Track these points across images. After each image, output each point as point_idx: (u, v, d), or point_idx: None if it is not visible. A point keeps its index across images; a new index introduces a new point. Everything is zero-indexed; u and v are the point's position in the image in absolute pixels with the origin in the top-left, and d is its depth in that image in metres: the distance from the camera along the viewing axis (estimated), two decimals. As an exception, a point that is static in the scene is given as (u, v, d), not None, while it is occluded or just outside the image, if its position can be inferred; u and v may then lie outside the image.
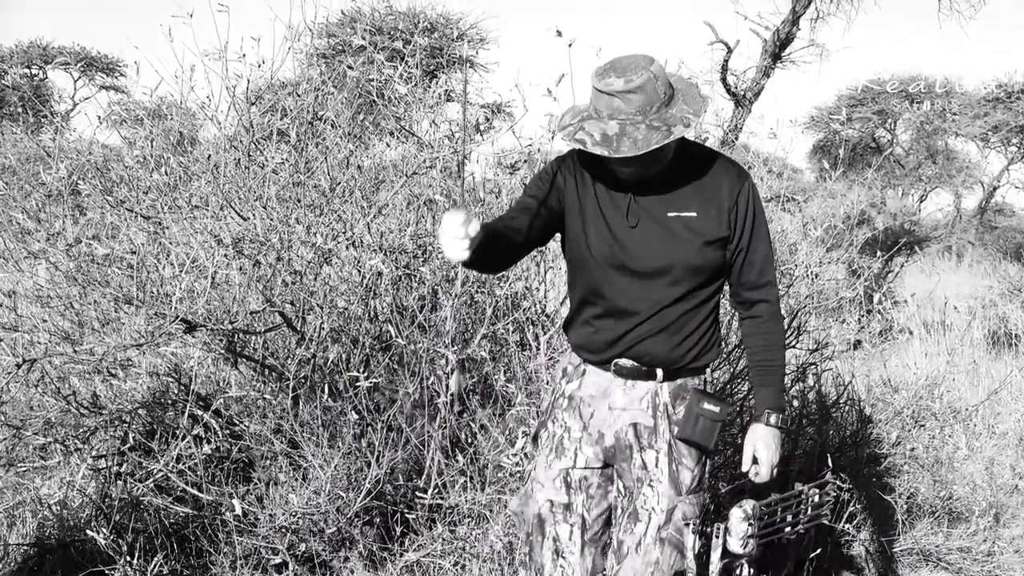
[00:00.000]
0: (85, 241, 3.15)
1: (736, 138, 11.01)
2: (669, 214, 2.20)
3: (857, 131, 22.84)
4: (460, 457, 3.26)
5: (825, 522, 2.39)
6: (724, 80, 11.35)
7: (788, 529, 2.30)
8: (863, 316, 5.30)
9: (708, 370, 2.37)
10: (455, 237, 1.89)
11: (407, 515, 3.27)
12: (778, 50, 11.24)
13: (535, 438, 2.44)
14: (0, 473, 3.55)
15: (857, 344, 4.94)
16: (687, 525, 2.26)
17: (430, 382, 3.23)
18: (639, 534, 2.28)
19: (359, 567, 3.23)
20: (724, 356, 3.75)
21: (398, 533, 3.25)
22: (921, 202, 22.69)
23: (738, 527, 2.19)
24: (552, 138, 3.49)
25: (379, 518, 3.31)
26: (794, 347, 3.96)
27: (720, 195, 2.21)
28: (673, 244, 2.19)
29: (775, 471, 2.27)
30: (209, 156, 3.49)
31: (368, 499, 3.13)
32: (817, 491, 2.33)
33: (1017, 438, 4.82)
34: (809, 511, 2.32)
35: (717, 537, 2.22)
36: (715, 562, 2.22)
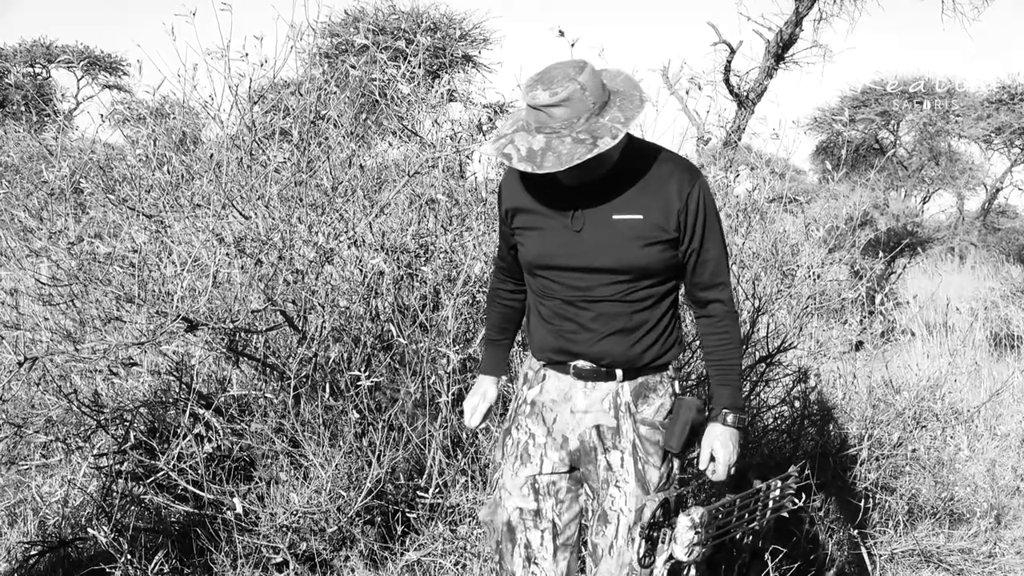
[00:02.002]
0: (87, 239, 3.15)
1: (739, 139, 11.01)
2: (615, 216, 2.18)
3: (860, 132, 22.81)
4: (461, 456, 3.26)
5: (786, 514, 2.37)
6: (727, 81, 11.35)
7: (745, 526, 2.28)
8: (865, 317, 5.30)
9: (671, 367, 2.35)
10: (474, 420, 2.54)
11: (408, 514, 3.27)
12: (781, 51, 11.24)
13: (501, 446, 2.44)
14: (2, 471, 3.56)
15: (859, 345, 4.94)
16: None
17: (431, 381, 3.23)
18: (610, 536, 2.28)
19: (360, 566, 3.23)
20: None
21: (399, 532, 3.26)
22: (924, 204, 22.65)
23: (684, 535, 2.18)
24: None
25: (380, 517, 3.31)
26: (794, 347, 3.95)
27: (669, 196, 2.18)
28: (619, 246, 2.18)
29: (732, 470, 2.26)
30: (211, 155, 3.49)
31: (369, 498, 3.13)
32: (779, 483, 2.32)
33: (1019, 439, 4.82)
34: (770, 504, 2.31)
35: (663, 543, 2.22)
36: (659, 566, 2.22)
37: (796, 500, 2.38)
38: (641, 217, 2.17)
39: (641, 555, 2.21)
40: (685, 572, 2.24)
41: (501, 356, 2.58)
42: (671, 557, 2.21)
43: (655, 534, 2.22)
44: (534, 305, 2.35)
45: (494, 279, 2.55)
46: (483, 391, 2.55)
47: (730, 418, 2.26)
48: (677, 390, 2.35)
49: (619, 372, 2.27)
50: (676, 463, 2.31)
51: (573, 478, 2.34)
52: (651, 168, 2.21)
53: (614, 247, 2.18)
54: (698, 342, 2.85)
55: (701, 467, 2.28)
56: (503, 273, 2.51)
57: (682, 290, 2.36)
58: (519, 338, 3.40)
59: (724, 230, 2.34)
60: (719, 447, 2.25)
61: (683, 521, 2.19)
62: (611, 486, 2.28)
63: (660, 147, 2.26)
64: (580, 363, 2.28)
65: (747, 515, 2.29)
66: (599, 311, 2.23)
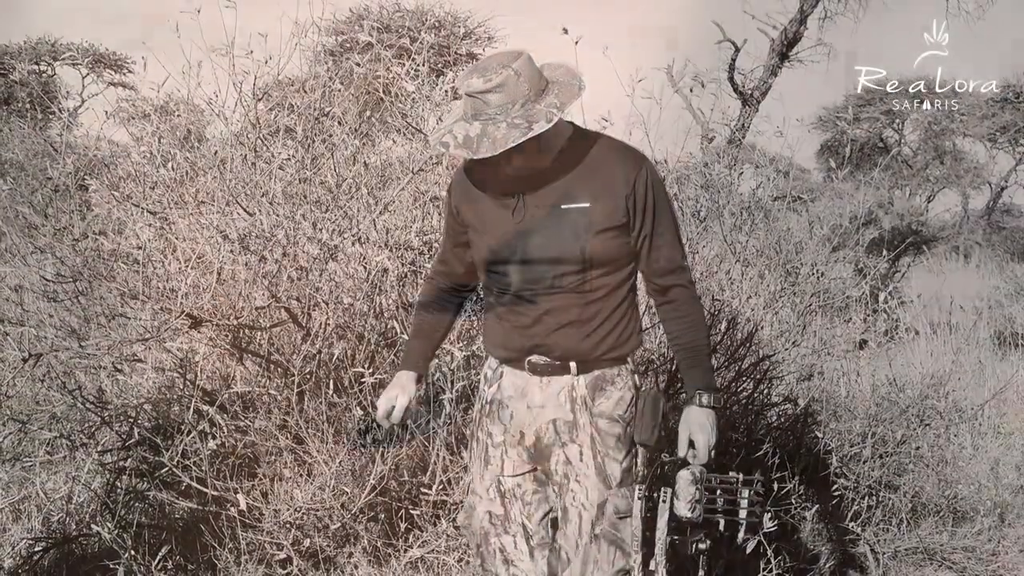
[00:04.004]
0: (92, 236, 3.16)
1: (743, 137, 11.00)
2: (562, 206, 2.17)
3: (865, 131, 22.78)
4: (465, 453, 3.26)
5: (754, 520, 2.26)
6: (731, 79, 11.35)
7: (726, 514, 2.19)
8: (869, 315, 5.29)
9: (631, 360, 2.31)
10: (395, 415, 2.39)
11: (412, 511, 3.27)
12: (785, 49, 11.23)
13: (469, 449, 2.42)
14: (6, 467, 3.57)
15: (863, 343, 4.94)
16: (621, 519, 2.21)
17: (435, 378, 3.23)
18: (572, 536, 2.25)
19: (363, 563, 3.24)
20: (729, 355, 3.75)
21: (403, 529, 3.26)
22: (928, 202, 22.59)
23: (686, 490, 2.11)
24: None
25: (384, 514, 3.31)
26: (798, 345, 3.95)
27: (615, 183, 2.17)
28: (566, 236, 2.17)
29: (713, 453, 2.20)
30: (216, 152, 3.49)
31: (373, 495, 3.13)
32: (748, 488, 2.22)
33: (1023, 438, 4.81)
34: (743, 504, 2.20)
35: (664, 501, 2.13)
36: (662, 528, 2.13)
37: (761, 507, 2.29)
38: (588, 205, 2.16)
39: (643, 515, 2.15)
40: (690, 550, 2.17)
41: (425, 354, 2.49)
42: (673, 516, 2.13)
43: (655, 494, 2.15)
44: (487, 303, 2.35)
45: (429, 282, 2.52)
46: (402, 384, 2.42)
47: (704, 398, 2.21)
48: (638, 383, 2.31)
49: (573, 366, 2.24)
50: (642, 455, 2.24)
51: (537, 479, 2.31)
52: (597, 156, 2.20)
53: (562, 237, 2.17)
54: (662, 330, 2.79)
55: (680, 453, 2.21)
56: (441, 277, 2.48)
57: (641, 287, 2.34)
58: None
59: (676, 212, 2.33)
60: (697, 430, 2.19)
61: (684, 475, 2.12)
62: (571, 480, 2.25)
63: (605, 135, 2.26)
64: (534, 358, 2.26)
65: (725, 502, 2.19)
66: (552, 304, 2.21)
